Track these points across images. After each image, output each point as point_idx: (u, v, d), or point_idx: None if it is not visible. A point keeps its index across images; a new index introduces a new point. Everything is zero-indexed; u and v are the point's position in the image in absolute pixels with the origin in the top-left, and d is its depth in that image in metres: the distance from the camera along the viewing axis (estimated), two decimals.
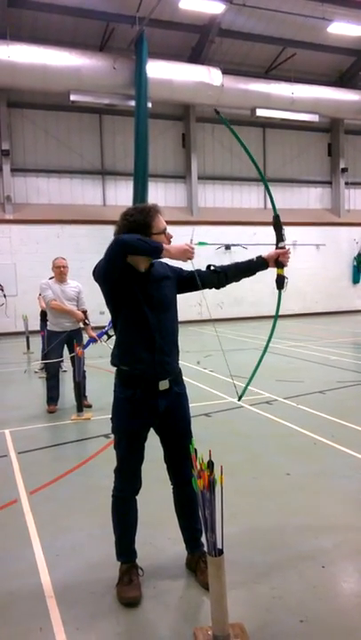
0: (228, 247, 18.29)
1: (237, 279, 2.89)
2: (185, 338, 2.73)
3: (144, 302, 2.59)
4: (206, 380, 7.69)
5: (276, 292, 3.07)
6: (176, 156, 18.72)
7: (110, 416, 2.71)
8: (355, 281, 20.91)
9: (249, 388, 3.26)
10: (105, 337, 6.35)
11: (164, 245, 2.54)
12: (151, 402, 2.63)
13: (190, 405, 2.82)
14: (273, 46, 17.76)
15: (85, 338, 6.72)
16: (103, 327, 6.56)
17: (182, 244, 2.61)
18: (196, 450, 2.36)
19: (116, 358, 2.68)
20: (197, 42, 17.02)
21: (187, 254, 2.60)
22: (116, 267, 2.55)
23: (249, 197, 19.79)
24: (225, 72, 16.84)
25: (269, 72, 18.56)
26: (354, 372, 8.46)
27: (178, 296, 2.80)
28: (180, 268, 2.82)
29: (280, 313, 3.24)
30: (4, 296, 14.21)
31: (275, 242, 2.89)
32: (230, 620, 2.28)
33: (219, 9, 14.89)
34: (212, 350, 10.66)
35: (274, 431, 5.46)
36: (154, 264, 2.68)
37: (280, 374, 8.19)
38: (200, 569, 2.74)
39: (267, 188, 3.09)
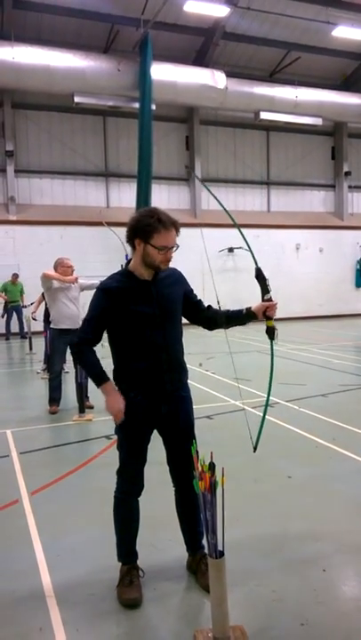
0: (231, 250, 18.29)
1: (228, 326, 2.81)
2: (187, 340, 2.74)
3: (148, 321, 2.57)
4: (209, 383, 7.69)
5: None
6: (180, 158, 18.75)
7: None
8: (358, 284, 20.88)
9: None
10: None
11: (105, 395, 2.59)
12: (154, 404, 2.63)
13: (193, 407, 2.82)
14: (277, 50, 17.79)
15: None
16: None
17: (119, 405, 2.57)
18: (197, 451, 2.36)
19: (124, 384, 2.65)
20: (202, 45, 17.06)
21: (114, 416, 2.60)
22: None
23: (252, 200, 19.80)
24: (229, 75, 16.86)
25: (273, 75, 18.59)
26: (356, 376, 8.45)
27: None
28: (191, 290, 2.80)
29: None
30: (25, 306, 14.24)
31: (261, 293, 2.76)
32: (231, 623, 2.28)
33: (223, 12, 14.94)
34: (214, 352, 10.65)
35: (276, 434, 5.45)
36: (160, 269, 2.61)
37: (282, 377, 8.17)
38: (201, 571, 2.73)
39: (245, 240, 2.91)
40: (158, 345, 2.60)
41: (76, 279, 6.53)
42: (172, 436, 2.73)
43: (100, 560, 2.98)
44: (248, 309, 2.75)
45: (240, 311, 2.77)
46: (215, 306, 2.84)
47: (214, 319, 2.81)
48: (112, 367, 2.70)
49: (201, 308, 2.82)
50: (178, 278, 2.75)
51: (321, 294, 19.92)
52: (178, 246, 2.59)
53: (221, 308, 2.82)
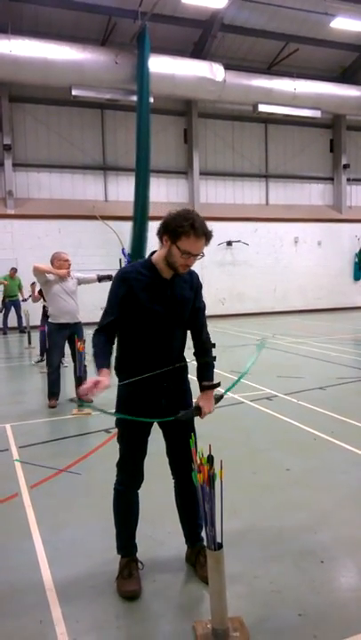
0: (229, 243, 18.29)
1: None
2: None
3: (157, 320, 2.59)
4: None
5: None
6: (178, 151, 18.69)
7: (114, 410, 2.73)
8: (356, 278, 20.88)
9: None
10: None
11: (101, 373, 2.42)
12: (155, 398, 2.65)
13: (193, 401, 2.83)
14: (275, 41, 17.68)
15: (86, 333, 6.75)
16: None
17: (103, 383, 2.37)
18: (196, 444, 2.37)
19: (125, 375, 2.66)
20: (200, 37, 16.95)
21: (94, 385, 2.36)
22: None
23: (251, 193, 19.75)
24: (227, 67, 16.77)
25: (272, 67, 18.48)
26: (354, 369, 8.47)
27: None
28: (200, 298, 2.77)
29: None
30: (25, 299, 14.21)
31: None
32: (229, 614, 2.30)
33: (221, 3, 14.80)
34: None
35: (274, 427, 5.48)
36: (178, 272, 2.59)
37: (281, 370, 8.20)
38: (200, 563, 2.75)
39: None
40: (163, 344, 2.63)
41: (68, 273, 6.52)
42: (171, 429, 2.73)
43: (99, 553, 3.00)
44: (201, 387, 2.76)
45: (200, 376, 2.78)
46: (217, 299, 2.83)
47: (196, 348, 2.81)
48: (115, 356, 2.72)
49: (197, 323, 2.79)
50: (194, 283, 2.74)
51: (319, 287, 19.93)
52: (203, 255, 2.56)
53: (224, 304, 2.83)
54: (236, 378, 3.05)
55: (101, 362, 2.51)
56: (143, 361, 2.61)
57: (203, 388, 2.77)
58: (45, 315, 9.31)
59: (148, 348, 2.61)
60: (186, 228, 2.44)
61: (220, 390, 2.81)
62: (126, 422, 2.67)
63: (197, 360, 2.83)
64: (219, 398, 2.79)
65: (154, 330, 2.59)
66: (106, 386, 2.37)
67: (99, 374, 2.44)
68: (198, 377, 2.80)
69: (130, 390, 2.64)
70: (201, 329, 2.82)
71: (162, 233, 2.54)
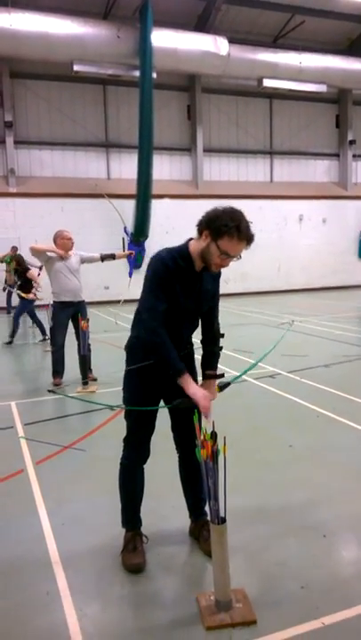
0: None
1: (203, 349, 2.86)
2: None
3: (183, 313, 2.59)
4: None
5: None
6: (181, 127, 18.44)
7: (121, 387, 2.75)
8: None
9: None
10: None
11: (189, 387, 2.46)
12: (161, 374, 2.66)
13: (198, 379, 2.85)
14: (281, 13, 17.29)
15: (90, 312, 6.77)
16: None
17: (207, 398, 2.48)
18: (200, 420, 2.38)
19: (141, 353, 2.63)
20: (203, 9, 16.59)
21: (203, 407, 2.48)
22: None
23: (255, 170, 19.54)
24: (231, 41, 16.42)
25: (277, 41, 18.11)
26: (358, 347, 8.46)
27: None
28: (218, 285, 2.76)
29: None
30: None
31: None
32: (232, 586, 2.34)
33: None
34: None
35: (277, 404, 5.51)
36: (210, 269, 2.56)
37: (284, 348, 8.19)
38: (203, 537, 2.79)
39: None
40: (182, 330, 2.65)
41: (68, 254, 6.48)
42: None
43: (104, 527, 3.04)
44: (204, 375, 2.80)
45: (205, 364, 2.82)
46: (222, 279, 2.78)
47: (205, 336, 2.83)
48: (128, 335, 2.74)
49: (210, 312, 2.81)
50: (217, 278, 2.73)
51: (324, 266, 19.82)
52: (240, 257, 2.50)
53: (228, 283, 2.82)
54: (239, 356, 3.06)
55: (181, 365, 2.48)
56: None
57: (206, 377, 2.78)
58: (18, 297, 9.81)
59: (170, 335, 2.58)
60: (231, 228, 2.37)
61: (226, 378, 2.80)
62: (133, 401, 2.69)
63: (204, 348, 2.83)
64: (225, 386, 2.76)
65: (178, 319, 2.59)
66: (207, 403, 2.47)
67: (183, 381, 2.45)
68: (203, 365, 2.81)
69: (142, 368, 2.65)
70: (213, 319, 2.83)
71: (203, 227, 2.46)
